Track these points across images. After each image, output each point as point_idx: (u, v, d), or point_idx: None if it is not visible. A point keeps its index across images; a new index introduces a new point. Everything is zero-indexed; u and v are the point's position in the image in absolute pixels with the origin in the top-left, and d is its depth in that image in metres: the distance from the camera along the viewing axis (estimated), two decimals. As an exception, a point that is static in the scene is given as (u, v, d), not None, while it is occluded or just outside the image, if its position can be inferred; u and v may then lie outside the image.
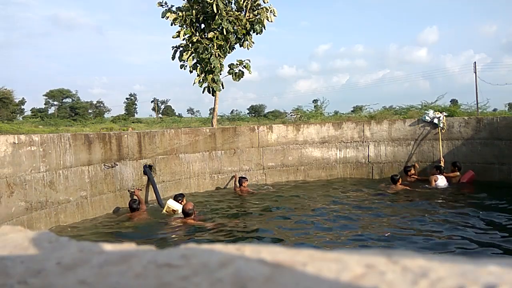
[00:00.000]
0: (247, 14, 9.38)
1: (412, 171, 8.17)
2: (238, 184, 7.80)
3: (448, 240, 4.54)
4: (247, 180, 7.88)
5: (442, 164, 8.12)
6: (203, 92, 9.52)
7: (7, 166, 4.64)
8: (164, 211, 5.80)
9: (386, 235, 4.75)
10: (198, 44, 9.02)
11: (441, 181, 7.48)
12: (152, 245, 0.69)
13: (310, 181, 8.97)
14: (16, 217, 4.73)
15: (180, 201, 5.91)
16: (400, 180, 7.55)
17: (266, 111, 57.60)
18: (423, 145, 8.88)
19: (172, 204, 5.73)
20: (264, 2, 9.59)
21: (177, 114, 67.60)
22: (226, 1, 9.23)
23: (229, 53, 9.56)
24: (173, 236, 4.97)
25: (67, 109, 55.71)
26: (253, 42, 9.71)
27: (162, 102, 71.69)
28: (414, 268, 0.50)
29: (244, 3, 9.29)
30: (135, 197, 6.23)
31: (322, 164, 9.31)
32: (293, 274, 0.51)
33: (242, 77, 9.81)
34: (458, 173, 7.81)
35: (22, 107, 53.53)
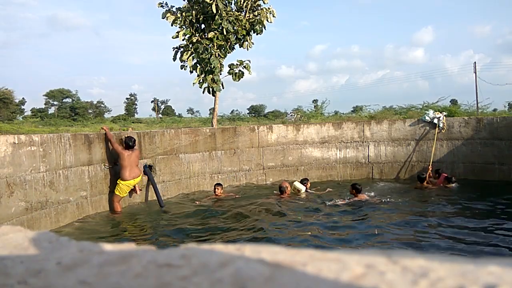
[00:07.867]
0: (247, 14, 9.38)
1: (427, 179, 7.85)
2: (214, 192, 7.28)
3: (448, 240, 4.54)
4: (221, 186, 7.32)
5: (429, 170, 8.08)
6: (203, 92, 9.52)
7: (7, 166, 4.63)
8: (291, 189, 7.09)
9: (376, 232, 4.77)
10: (198, 45, 9.01)
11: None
12: (154, 245, 0.69)
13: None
14: (16, 217, 4.72)
15: (305, 184, 7.17)
16: (427, 178, 7.75)
17: (266, 111, 57.64)
18: (423, 145, 8.88)
19: (298, 186, 7.13)
20: (264, 3, 9.60)
21: (177, 114, 67.59)
22: (226, 2, 9.23)
23: (229, 53, 9.56)
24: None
25: (67, 109, 55.64)
26: (252, 43, 9.70)
27: (162, 102, 71.64)
28: (414, 268, 0.50)
29: (244, 4, 9.29)
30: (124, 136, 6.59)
31: (322, 164, 9.31)
32: (293, 274, 0.51)
33: (242, 77, 9.80)
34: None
35: (22, 107, 53.54)
